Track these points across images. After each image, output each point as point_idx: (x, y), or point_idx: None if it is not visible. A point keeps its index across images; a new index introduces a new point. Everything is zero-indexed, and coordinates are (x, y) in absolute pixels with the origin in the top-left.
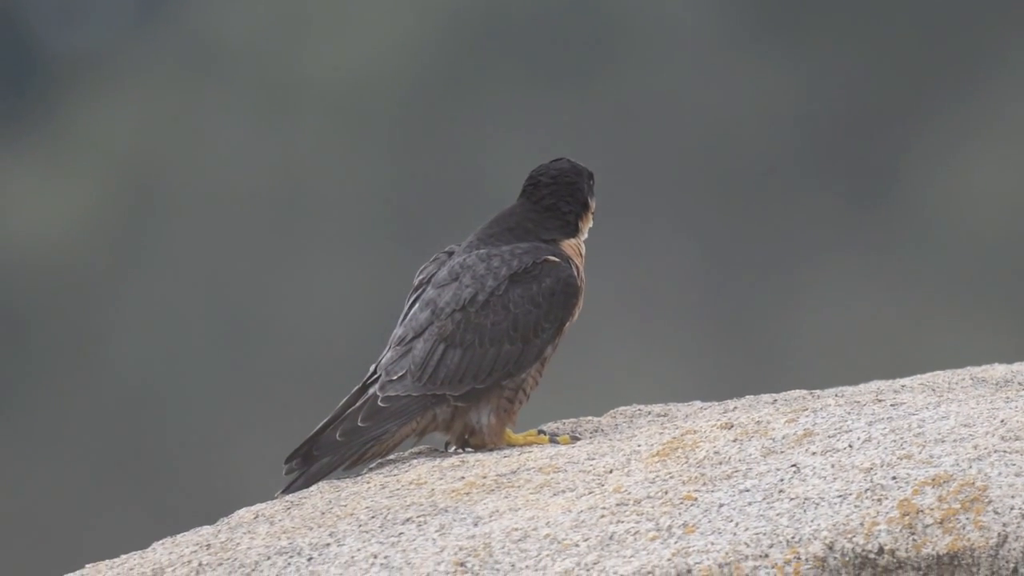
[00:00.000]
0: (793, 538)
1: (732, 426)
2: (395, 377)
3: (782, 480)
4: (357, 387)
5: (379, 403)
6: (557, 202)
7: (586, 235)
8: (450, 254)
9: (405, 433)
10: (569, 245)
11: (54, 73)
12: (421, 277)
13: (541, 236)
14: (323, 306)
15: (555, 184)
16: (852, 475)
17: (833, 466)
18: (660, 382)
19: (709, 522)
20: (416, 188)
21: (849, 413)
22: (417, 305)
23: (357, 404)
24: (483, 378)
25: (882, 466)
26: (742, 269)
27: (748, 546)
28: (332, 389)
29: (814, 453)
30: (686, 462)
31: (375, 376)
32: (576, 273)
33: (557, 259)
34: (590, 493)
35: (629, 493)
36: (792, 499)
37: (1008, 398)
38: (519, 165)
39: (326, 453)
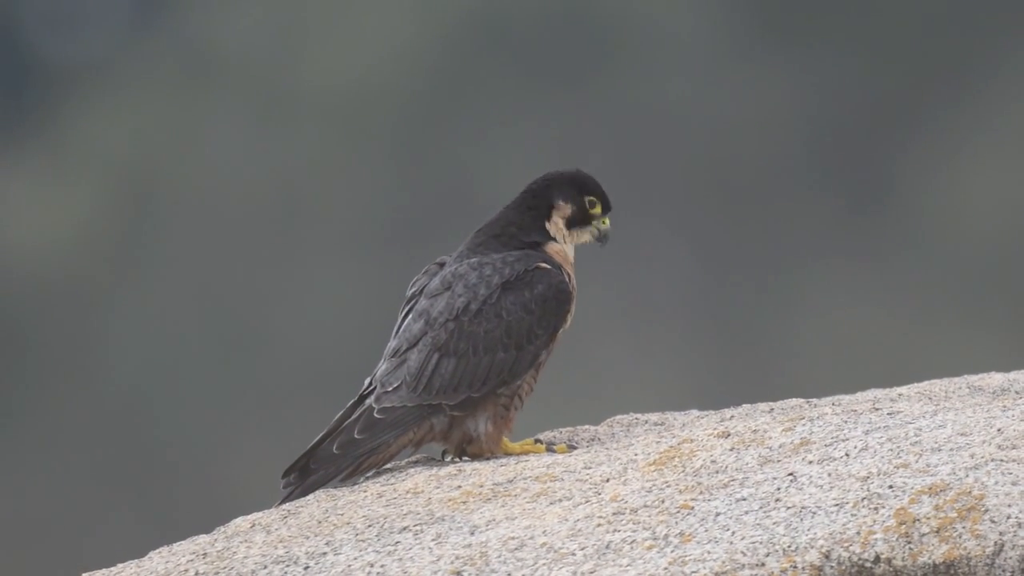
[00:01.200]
0: (790, 547)
1: (729, 435)
2: (390, 388)
3: (779, 489)
4: (353, 400)
5: (375, 415)
6: (521, 204)
7: (565, 240)
8: (441, 265)
9: (403, 443)
10: (556, 251)
11: (51, 82)
12: (413, 290)
13: (523, 239)
14: (321, 314)
15: (527, 191)
16: (849, 484)
17: (830, 475)
18: (657, 391)
19: (706, 531)
20: (414, 195)
21: (846, 422)
22: (410, 316)
23: (353, 416)
24: (478, 386)
25: (879, 475)
26: (739, 277)
27: (745, 555)
28: (329, 397)
29: (811, 462)
30: (683, 471)
31: (371, 388)
32: (567, 279)
33: (548, 265)
34: (587, 502)
35: (626, 502)
36: (789, 508)
37: (1005, 407)
38: (518, 172)
39: (323, 466)
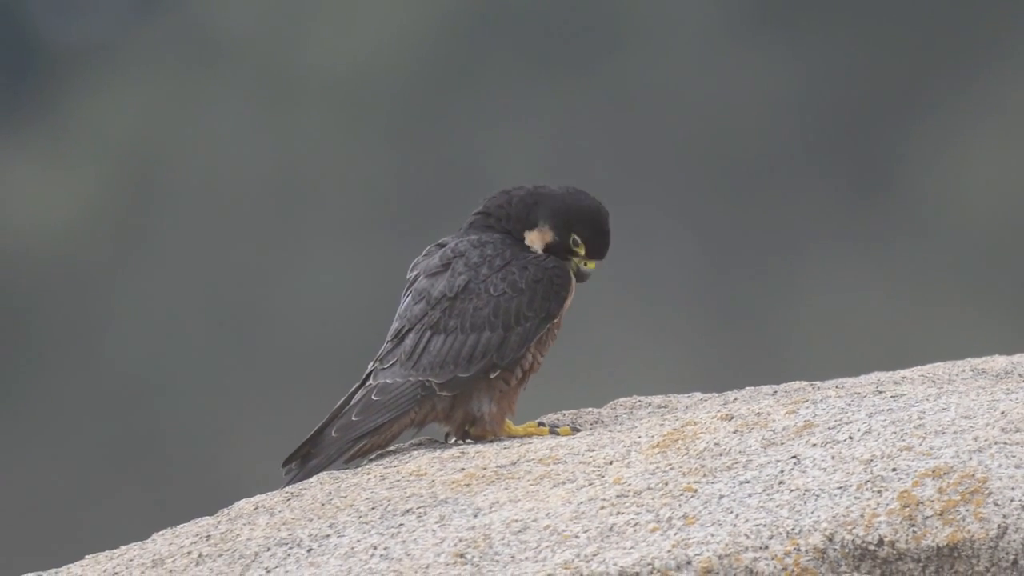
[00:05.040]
0: (793, 529)
1: (732, 417)
2: (387, 366)
3: (782, 472)
4: (356, 386)
5: (372, 396)
6: (508, 203)
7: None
8: (441, 246)
9: (404, 424)
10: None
11: (54, 65)
12: (415, 272)
13: (505, 225)
14: (324, 297)
15: (516, 196)
16: (852, 467)
17: (833, 457)
18: (660, 373)
19: (709, 513)
20: (417, 179)
21: (849, 404)
22: (410, 297)
23: (353, 401)
24: (464, 365)
25: (882, 458)
26: (742, 260)
27: (748, 537)
28: (333, 380)
29: (814, 444)
30: (686, 453)
31: (372, 372)
32: (562, 264)
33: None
34: (590, 484)
35: (629, 484)
36: (792, 491)
37: (1008, 390)
38: (519, 156)
39: (322, 451)
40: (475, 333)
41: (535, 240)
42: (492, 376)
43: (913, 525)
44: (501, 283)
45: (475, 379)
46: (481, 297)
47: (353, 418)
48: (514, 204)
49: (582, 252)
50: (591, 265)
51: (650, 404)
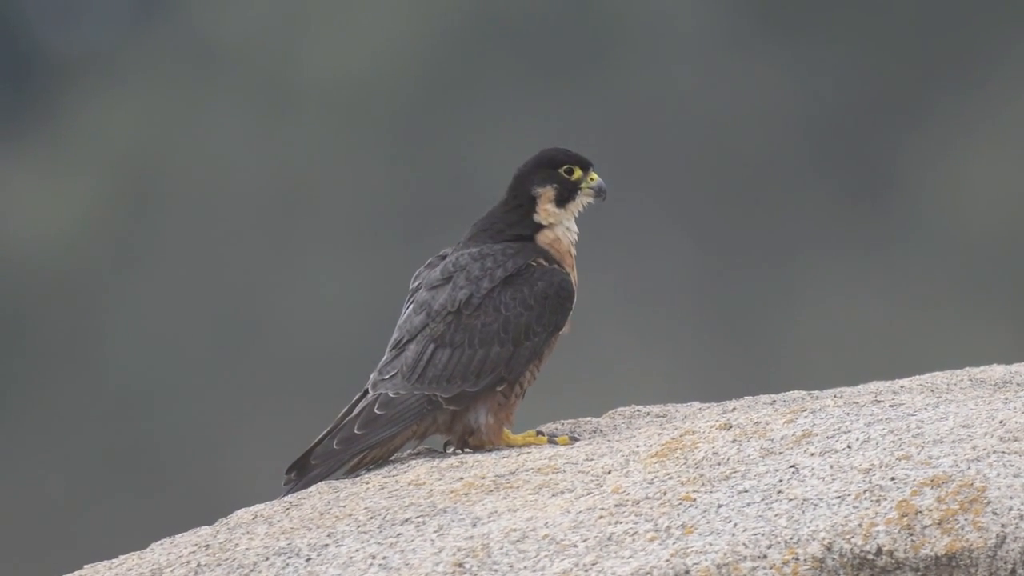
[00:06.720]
0: (791, 539)
1: (731, 427)
2: (387, 376)
3: (781, 481)
4: (357, 396)
5: (375, 410)
6: (508, 196)
7: (563, 220)
8: (443, 258)
9: (406, 436)
10: (549, 242)
11: (53, 73)
12: (417, 283)
13: (508, 232)
14: (323, 306)
15: (514, 178)
16: (851, 476)
17: (832, 467)
18: (659, 383)
19: (708, 523)
20: (415, 188)
21: (848, 414)
22: (411, 308)
23: (355, 412)
24: (473, 380)
25: (881, 467)
26: (741, 270)
27: (746, 547)
28: (331, 390)
29: (813, 454)
30: (685, 463)
31: (372, 382)
32: (569, 276)
33: (545, 262)
34: (588, 494)
35: (628, 494)
36: (791, 500)
37: (1007, 399)
38: (518, 164)
39: (323, 462)
40: (483, 348)
41: (547, 204)
42: (498, 389)
43: (911, 534)
44: (511, 300)
45: (479, 393)
46: (489, 313)
47: (355, 431)
48: (505, 208)
49: (580, 173)
50: (595, 176)
51: (648, 413)
